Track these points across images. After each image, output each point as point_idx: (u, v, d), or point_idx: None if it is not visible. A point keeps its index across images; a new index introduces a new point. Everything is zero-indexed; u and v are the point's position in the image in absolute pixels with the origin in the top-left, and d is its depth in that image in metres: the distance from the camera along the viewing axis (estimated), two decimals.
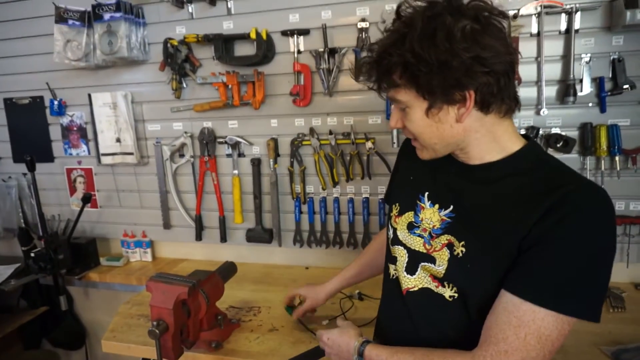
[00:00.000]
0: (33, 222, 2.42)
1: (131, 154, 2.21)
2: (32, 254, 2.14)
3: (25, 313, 2.41)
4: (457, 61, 0.78)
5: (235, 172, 2.09)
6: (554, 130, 1.70)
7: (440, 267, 0.92)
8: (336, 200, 1.98)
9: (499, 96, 0.84)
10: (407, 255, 0.99)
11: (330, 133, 1.92)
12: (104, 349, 1.60)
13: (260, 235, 2.11)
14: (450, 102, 0.83)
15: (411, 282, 0.97)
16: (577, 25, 1.61)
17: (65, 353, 2.58)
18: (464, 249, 0.88)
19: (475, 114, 0.85)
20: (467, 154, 0.91)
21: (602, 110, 1.64)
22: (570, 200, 0.79)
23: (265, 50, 1.90)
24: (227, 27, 1.97)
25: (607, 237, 0.80)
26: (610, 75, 1.62)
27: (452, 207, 0.93)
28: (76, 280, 2.23)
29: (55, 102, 2.27)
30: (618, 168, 1.65)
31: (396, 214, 1.04)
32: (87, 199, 2.19)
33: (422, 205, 0.99)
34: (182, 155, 2.17)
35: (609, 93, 1.62)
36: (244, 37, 1.92)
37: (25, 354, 2.34)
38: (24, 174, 2.41)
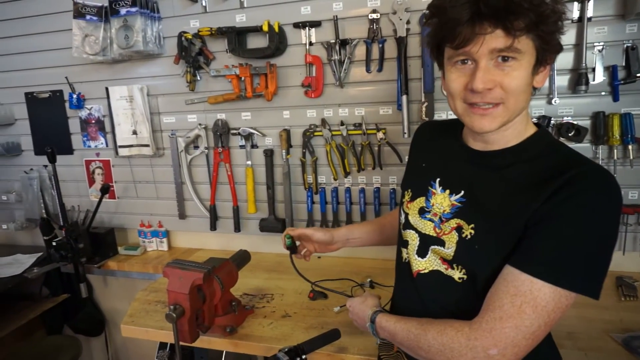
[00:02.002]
0: (54, 213, 2.50)
1: (147, 145, 2.26)
2: (54, 243, 2.21)
3: (48, 300, 2.50)
4: (562, 21, 0.82)
5: (249, 163, 2.13)
6: (566, 120, 1.69)
7: (449, 250, 0.94)
8: (348, 190, 2.01)
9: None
10: (418, 239, 1.02)
11: (342, 124, 1.94)
12: (123, 334, 1.66)
13: (273, 225, 2.14)
14: (546, 61, 0.85)
15: (422, 265, 1.00)
16: (590, 13, 1.60)
17: (85, 339, 2.67)
18: (472, 231, 0.90)
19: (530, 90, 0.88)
20: (501, 133, 0.91)
21: (615, 98, 1.63)
22: (577, 181, 0.80)
23: (278, 42, 1.93)
24: (240, 20, 2.00)
25: (610, 218, 0.81)
26: (624, 64, 1.61)
27: (462, 192, 0.95)
28: (95, 268, 2.29)
29: (74, 96, 2.33)
30: (631, 157, 1.64)
31: (408, 200, 1.07)
32: (106, 190, 2.26)
33: (434, 190, 1.01)
34: (196, 147, 2.22)
35: (622, 81, 1.61)
36: (257, 29, 1.94)
37: (48, 339, 2.43)
38: (45, 166, 2.49)
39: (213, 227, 2.26)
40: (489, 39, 0.79)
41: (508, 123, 0.88)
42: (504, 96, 0.83)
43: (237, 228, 2.22)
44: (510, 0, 0.76)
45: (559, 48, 0.86)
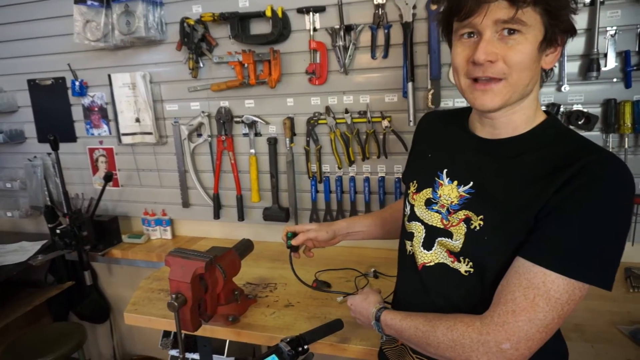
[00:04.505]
0: (58, 200, 2.50)
1: (150, 133, 2.24)
2: (58, 231, 2.22)
3: (53, 287, 2.52)
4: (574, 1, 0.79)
5: (252, 151, 2.11)
6: (576, 107, 1.65)
7: (457, 242, 0.92)
8: (352, 179, 1.99)
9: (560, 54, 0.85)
10: (424, 230, 0.99)
11: (347, 112, 1.92)
12: (126, 322, 1.66)
13: (277, 213, 2.13)
14: (555, 41, 0.82)
15: (427, 257, 0.98)
16: None
17: (90, 326, 2.69)
18: (481, 222, 0.88)
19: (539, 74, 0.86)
20: (508, 117, 0.88)
21: (628, 85, 1.59)
22: (589, 170, 0.78)
23: (281, 28, 1.89)
24: (243, 5, 1.96)
25: (623, 208, 0.79)
26: (637, 49, 1.56)
27: (471, 183, 0.93)
28: (99, 256, 2.30)
29: (77, 83, 2.31)
30: None
31: (414, 191, 1.04)
32: (109, 178, 2.25)
33: (441, 182, 0.98)
34: (199, 135, 2.20)
35: (635, 67, 1.56)
36: (260, 15, 1.91)
37: (54, 326, 2.44)
38: (49, 154, 2.48)
39: (217, 215, 2.25)
40: (493, 8, 0.77)
41: (513, 103, 0.85)
42: (507, 71, 0.81)
43: (241, 217, 2.21)
44: None
45: (570, 27, 0.82)
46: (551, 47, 0.83)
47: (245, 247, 1.67)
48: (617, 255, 0.80)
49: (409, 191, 1.07)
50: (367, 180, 1.96)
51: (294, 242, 1.35)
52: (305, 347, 1.15)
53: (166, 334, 2.17)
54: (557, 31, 0.81)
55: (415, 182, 1.05)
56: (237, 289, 1.53)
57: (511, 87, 0.82)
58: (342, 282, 1.73)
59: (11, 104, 2.49)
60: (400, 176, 1.92)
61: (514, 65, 0.80)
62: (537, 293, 0.78)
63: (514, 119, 0.88)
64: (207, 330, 1.50)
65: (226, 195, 2.24)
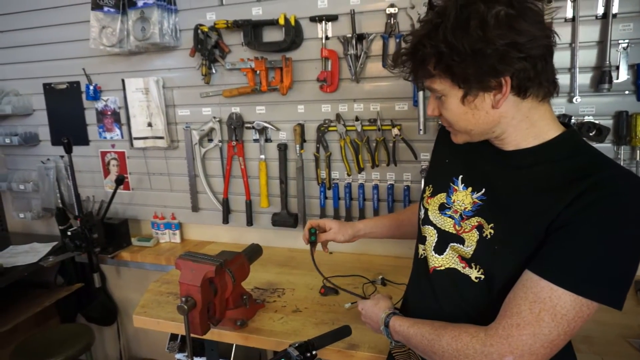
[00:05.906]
0: (69, 203, 2.53)
1: (162, 138, 2.27)
2: (69, 233, 2.25)
3: (62, 289, 2.54)
4: (491, 49, 0.77)
5: (262, 157, 2.13)
6: (587, 119, 1.65)
7: (469, 248, 0.92)
8: (361, 186, 1.99)
9: (537, 80, 0.83)
10: (436, 235, 1.00)
11: (357, 119, 1.93)
12: (135, 324, 1.67)
13: (286, 219, 2.14)
14: (485, 89, 0.83)
15: (438, 262, 0.99)
16: (615, 9, 1.55)
17: (98, 328, 2.70)
18: (492, 231, 0.89)
19: (512, 99, 0.84)
20: (502, 140, 0.91)
21: (639, 98, 1.58)
22: (603, 186, 0.78)
23: (294, 36, 1.91)
24: (256, 13, 1.99)
25: (637, 226, 0.78)
26: None
27: (484, 190, 0.94)
28: (109, 258, 2.32)
29: (91, 87, 2.35)
30: None
31: (429, 195, 1.06)
32: (120, 181, 2.28)
33: (455, 187, 0.99)
34: (210, 140, 2.22)
35: None
36: (273, 23, 1.93)
37: (62, 327, 2.46)
38: (61, 157, 2.52)
39: (226, 220, 2.26)
40: (421, 78, 0.91)
41: (485, 136, 0.92)
42: (448, 122, 0.93)
43: (250, 222, 2.22)
44: (411, 50, 0.86)
45: (491, 85, 0.81)
46: (493, 90, 0.83)
47: (254, 251, 1.68)
48: (630, 274, 0.79)
49: (424, 195, 1.08)
50: (376, 187, 1.97)
51: (313, 224, 1.43)
52: (314, 352, 1.16)
53: (173, 337, 2.18)
54: (476, 84, 0.82)
55: (430, 186, 1.07)
56: (246, 293, 1.54)
57: (460, 131, 0.93)
58: (349, 289, 1.72)
59: (26, 107, 2.53)
60: (410, 184, 1.93)
61: (448, 118, 0.92)
62: (543, 308, 0.78)
63: (508, 141, 0.90)
64: (215, 334, 1.50)
65: (235, 200, 2.25)
